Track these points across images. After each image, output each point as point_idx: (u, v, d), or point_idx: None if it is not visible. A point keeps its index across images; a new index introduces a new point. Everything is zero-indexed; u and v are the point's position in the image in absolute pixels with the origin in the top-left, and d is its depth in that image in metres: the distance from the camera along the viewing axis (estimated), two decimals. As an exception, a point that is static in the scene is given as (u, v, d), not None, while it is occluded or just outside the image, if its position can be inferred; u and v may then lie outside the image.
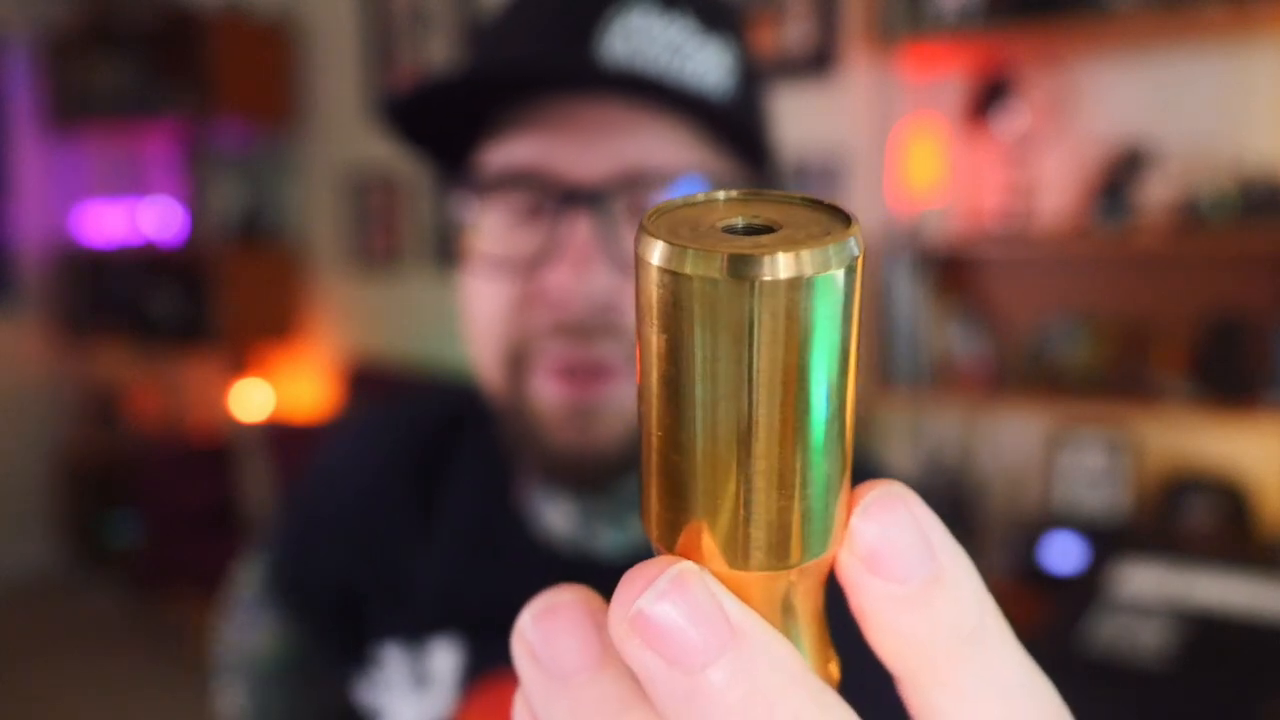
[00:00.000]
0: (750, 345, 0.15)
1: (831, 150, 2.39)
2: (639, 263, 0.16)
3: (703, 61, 0.52)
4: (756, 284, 0.15)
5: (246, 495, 3.05)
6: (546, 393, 0.52)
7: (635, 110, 0.51)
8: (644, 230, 0.16)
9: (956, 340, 2.30)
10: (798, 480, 0.16)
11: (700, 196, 0.18)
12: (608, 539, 0.58)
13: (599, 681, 0.17)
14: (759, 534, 0.16)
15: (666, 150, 0.51)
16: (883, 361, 2.30)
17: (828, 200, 0.18)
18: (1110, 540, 2.02)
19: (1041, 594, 2.04)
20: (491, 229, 0.54)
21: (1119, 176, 2.08)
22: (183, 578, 2.91)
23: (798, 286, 0.15)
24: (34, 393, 3.55)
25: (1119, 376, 2.15)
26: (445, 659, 0.58)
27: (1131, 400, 2.10)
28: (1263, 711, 1.27)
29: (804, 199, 0.18)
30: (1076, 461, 2.25)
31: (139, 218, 3.44)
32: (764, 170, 0.58)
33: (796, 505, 0.16)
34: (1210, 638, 1.43)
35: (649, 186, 0.51)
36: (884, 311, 2.28)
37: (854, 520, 0.17)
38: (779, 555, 0.17)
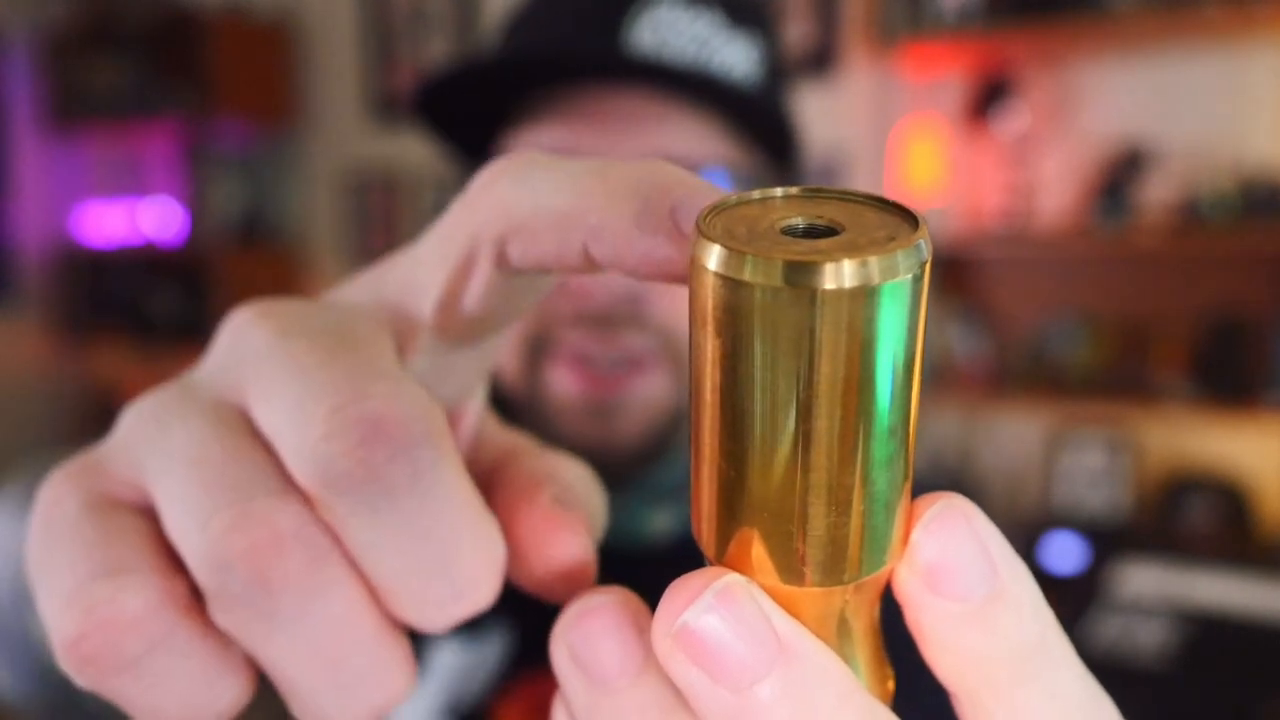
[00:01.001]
0: (811, 356, 0.14)
1: (831, 150, 2.39)
2: (694, 266, 0.15)
3: (730, 55, 0.52)
4: (819, 293, 0.14)
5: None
6: (564, 385, 0.52)
7: (662, 101, 0.50)
8: (700, 232, 0.15)
9: (956, 340, 2.30)
10: (856, 495, 0.15)
11: (756, 194, 0.17)
12: (623, 530, 0.58)
13: (641, 687, 0.17)
14: (814, 550, 0.16)
15: (692, 142, 0.51)
16: (883, 361, 2.30)
17: (892, 199, 0.17)
18: (1110, 540, 2.02)
19: (1042, 594, 2.04)
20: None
21: (1119, 176, 2.08)
22: (183, 578, 2.91)
23: (863, 296, 0.14)
24: (34, 393, 3.55)
25: (1119, 376, 2.15)
26: (449, 655, 0.58)
27: (1131, 400, 2.10)
28: (1263, 711, 1.27)
29: (867, 197, 0.17)
30: (1076, 461, 2.25)
31: (139, 218, 3.44)
32: (789, 165, 0.57)
33: (854, 521, 0.16)
34: (1210, 638, 1.43)
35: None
36: (884, 311, 2.28)
37: (915, 535, 0.16)
38: (834, 571, 0.16)
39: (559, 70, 0.51)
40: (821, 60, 2.40)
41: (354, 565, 0.19)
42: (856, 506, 0.16)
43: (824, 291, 0.14)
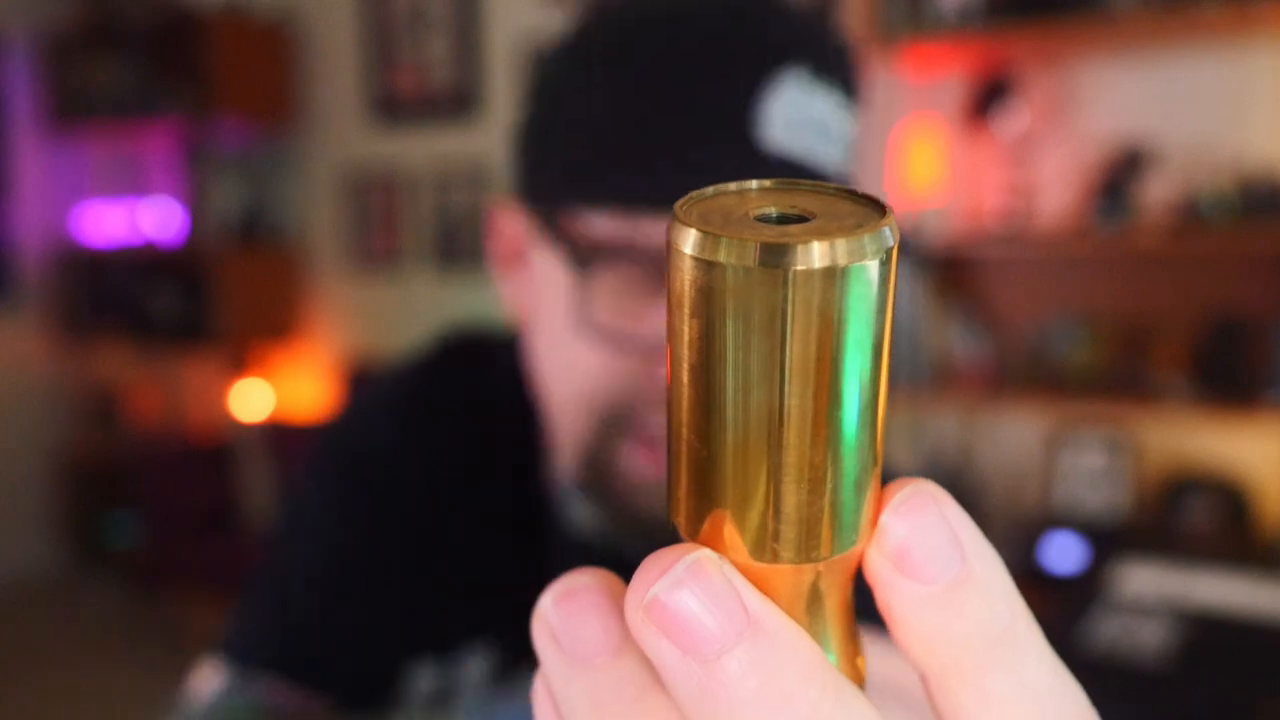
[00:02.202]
0: (782, 335, 0.15)
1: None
2: (670, 250, 0.16)
3: (837, 139, 0.49)
4: (790, 273, 0.15)
5: (246, 495, 3.05)
6: (641, 467, 0.50)
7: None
8: (676, 218, 0.16)
9: (956, 340, 2.30)
10: (827, 474, 0.16)
11: (733, 186, 0.18)
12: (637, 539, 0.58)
13: (619, 665, 0.17)
14: (785, 527, 0.16)
15: None
16: (883, 361, 2.30)
17: (862, 190, 0.17)
18: (1110, 540, 2.02)
19: (1041, 594, 2.04)
20: (610, 295, 0.49)
21: (1119, 176, 2.08)
22: (183, 578, 2.91)
23: (832, 276, 0.15)
24: (34, 393, 3.55)
25: (1119, 376, 2.15)
26: (477, 668, 0.58)
27: (1131, 400, 2.10)
28: (1263, 711, 1.27)
29: (838, 189, 0.18)
30: (1076, 461, 2.25)
31: (139, 218, 3.45)
32: None
33: (825, 499, 0.16)
34: (1210, 638, 1.43)
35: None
36: (884, 311, 2.28)
37: (884, 518, 0.17)
38: (805, 549, 0.16)
39: (694, 168, 0.46)
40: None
41: None
42: (827, 485, 0.16)
43: (795, 272, 0.15)
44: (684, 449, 0.17)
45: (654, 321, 0.49)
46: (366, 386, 0.68)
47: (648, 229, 0.47)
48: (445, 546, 0.60)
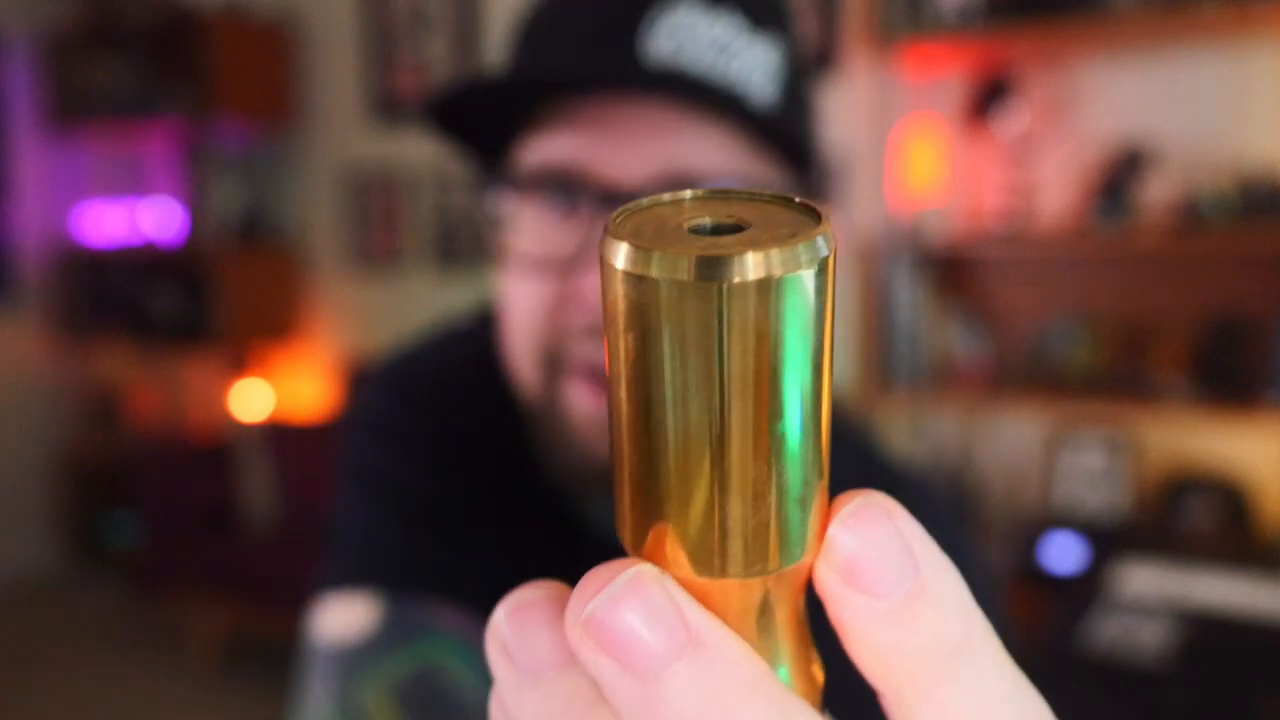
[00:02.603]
0: (719, 349, 0.15)
1: (831, 150, 2.39)
2: (603, 266, 0.16)
3: (749, 60, 0.51)
4: (724, 286, 0.14)
5: (246, 495, 3.05)
6: (582, 402, 0.51)
7: (678, 111, 0.50)
8: (608, 233, 0.16)
9: (956, 340, 2.30)
10: (770, 487, 0.16)
11: (668, 196, 0.18)
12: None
13: (569, 679, 0.17)
14: (729, 541, 0.16)
15: (708, 153, 0.50)
16: (883, 361, 2.30)
17: (799, 198, 0.17)
18: (1110, 540, 2.02)
19: (1041, 594, 2.05)
20: (529, 226, 0.53)
21: (1119, 176, 2.08)
22: (183, 578, 2.91)
23: (766, 288, 0.14)
24: (34, 393, 3.55)
25: (1119, 376, 2.15)
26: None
27: (1131, 400, 2.10)
28: (1263, 711, 1.27)
29: (774, 196, 0.17)
30: (1076, 461, 2.25)
31: (139, 218, 3.45)
32: (808, 173, 0.57)
33: (769, 513, 0.16)
34: (1210, 638, 1.43)
35: (690, 189, 0.49)
36: (884, 311, 2.28)
37: (831, 530, 0.16)
38: (750, 563, 0.16)
39: (576, 82, 0.50)
40: (822, 60, 2.40)
41: None
42: (770, 499, 0.16)
43: (728, 285, 0.14)
44: (625, 463, 0.17)
45: (561, 239, 0.51)
46: (430, 333, 0.68)
47: (557, 152, 0.50)
48: (479, 506, 0.61)
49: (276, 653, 2.79)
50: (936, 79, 2.30)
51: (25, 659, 2.86)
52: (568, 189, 0.50)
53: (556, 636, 0.17)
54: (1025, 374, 2.27)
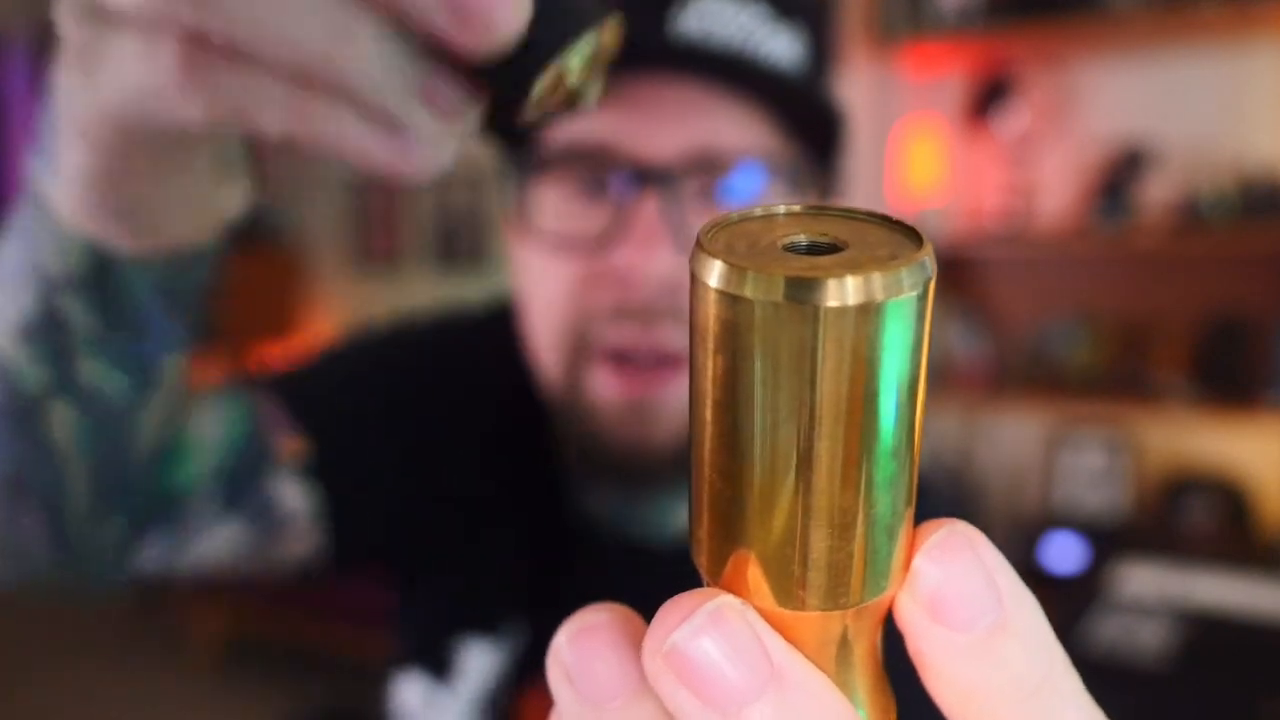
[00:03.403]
0: (813, 374, 0.14)
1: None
2: (694, 282, 0.15)
3: (776, 46, 0.51)
4: (822, 310, 0.14)
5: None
6: (606, 389, 0.51)
7: (707, 90, 0.50)
8: (700, 248, 0.15)
9: (956, 340, 2.30)
10: (857, 518, 0.15)
11: (759, 210, 0.17)
12: (655, 525, 0.58)
13: (635, 709, 0.17)
14: (813, 573, 0.15)
15: (737, 132, 0.50)
16: (883, 361, 2.30)
17: (896, 216, 0.17)
18: (1110, 540, 2.02)
19: (1041, 594, 2.03)
20: (555, 206, 0.52)
21: (1119, 176, 2.08)
22: (183, 578, 2.91)
23: (867, 312, 0.14)
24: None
25: (1119, 376, 2.15)
26: (479, 656, 0.58)
27: (1131, 400, 2.10)
28: (1263, 711, 1.27)
29: (870, 215, 0.17)
30: (1076, 461, 2.25)
31: (139, 218, 3.44)
32: (832, 158, 0.57)
33: (855, 544, 0.15)
34: (1210, 638, 1.43)
35: (719, 168, 0.50)
36: (884, 311, 2.28)
37: (917, 562, 0.16)
38: (833, 596, 0.16)
39: None
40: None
41: None
42: (857, 530, 0.15)
43: (826, 309, 0.14)
44: (706, 488, 0.16)
45: (589, 218, 0.50)
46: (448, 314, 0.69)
47: (585, 130, 0.50)
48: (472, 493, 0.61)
49: (276, 653, 2.79)
50: (936, 79, 2.30)
51: (25, 659, 2.86)
52: (597, 166, 0.50)
53: (623, 664, 0.17)
54: (1025, 374, 2.26)
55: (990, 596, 0.16)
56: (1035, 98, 2.20)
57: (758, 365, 0.14)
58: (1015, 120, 2.18)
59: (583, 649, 0.17)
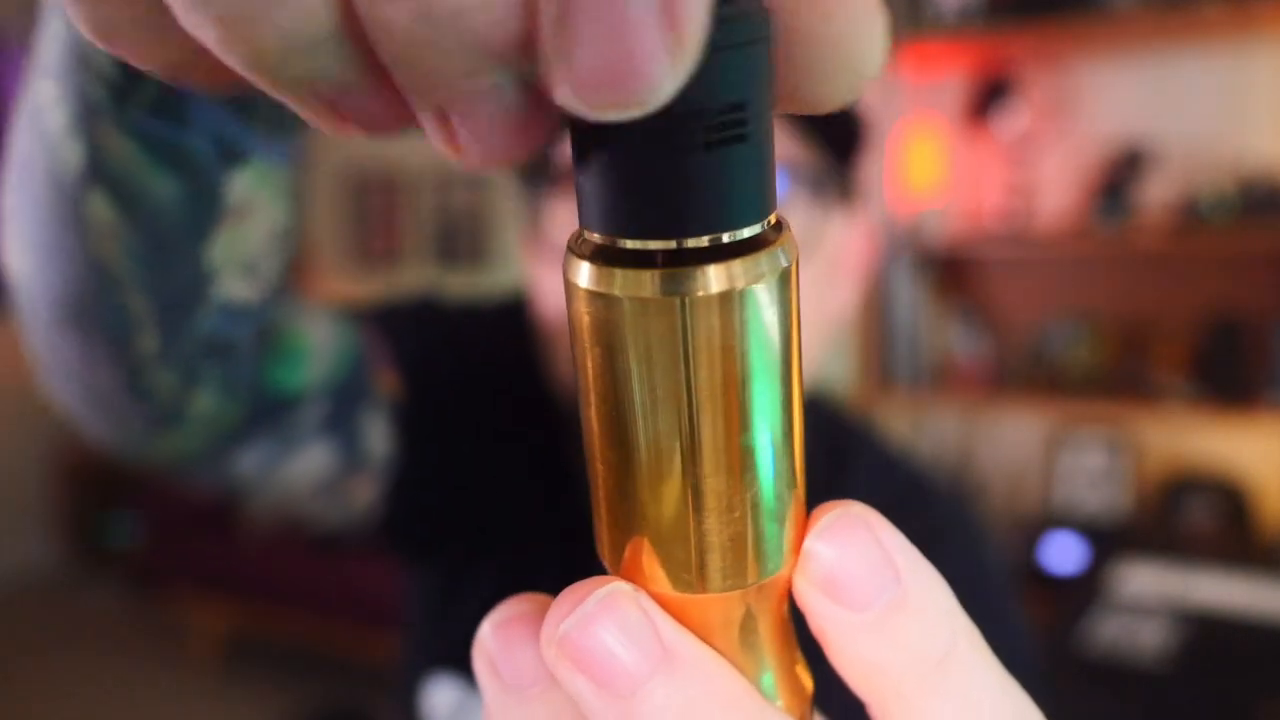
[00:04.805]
0: (686, 364, 0.15)
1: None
2: (566, 284, 0.16)
3: None
4: (687, 300, 0.14)
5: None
6: None
7: None
8: (570, 252, 0.16)
9: (956, 340, 2.30)
10: (744, 500, 0.16)
11: None
12: None
13: (553, 695, 0.17)
14: (702, 556, 0.16)
15: None
16: (883, 361, 2.30)
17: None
18: (1110, 540, 2.02)
19: (1041, 594, 2.04)
20: (566, 217, 0.52)
21: (1119, 176, 2.08)
22: (183, 578, 2.91)
23: (729, 300, 0.14)
24: (34, 393, 3.55)
25: (1119, 376, 2.15)
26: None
27: (1131, 400, 2.10)
28: (1263, 711, 1.27)
29: None
30: (1076, 461, 2.25)
31: (139, 218, 3.45)
32: (853, 159, 0.57)
33: (743, 526, 0.16)
34: (1210, 638, 1.43)
35: None
36: (884, 311, 2.28)
37: (808, 543, 0.16)
38: (726, 578, 0.16)
39: None
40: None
41: None
42: (744, 512, 0.16)
43: (691, 299, 0.14)
44: (599, 480, 0.16)
45: None
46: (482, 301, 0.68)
47: None
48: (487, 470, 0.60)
49: (276, 653, 2.79)
50: (936, 79, 2.30)
51: (25, 658, 2.86)
52: None
53: (539, 652, 0.17)
54: (1025, 374, 2.27)
55: (887, 575, 0.16)
56: (1035, 98, 2.20)
57: (633, 359, 0.15)
58: (1015, 120, 2.18)
59: (504, 638, 0.17)
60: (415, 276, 3.08)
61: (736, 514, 0.16)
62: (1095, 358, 2.19)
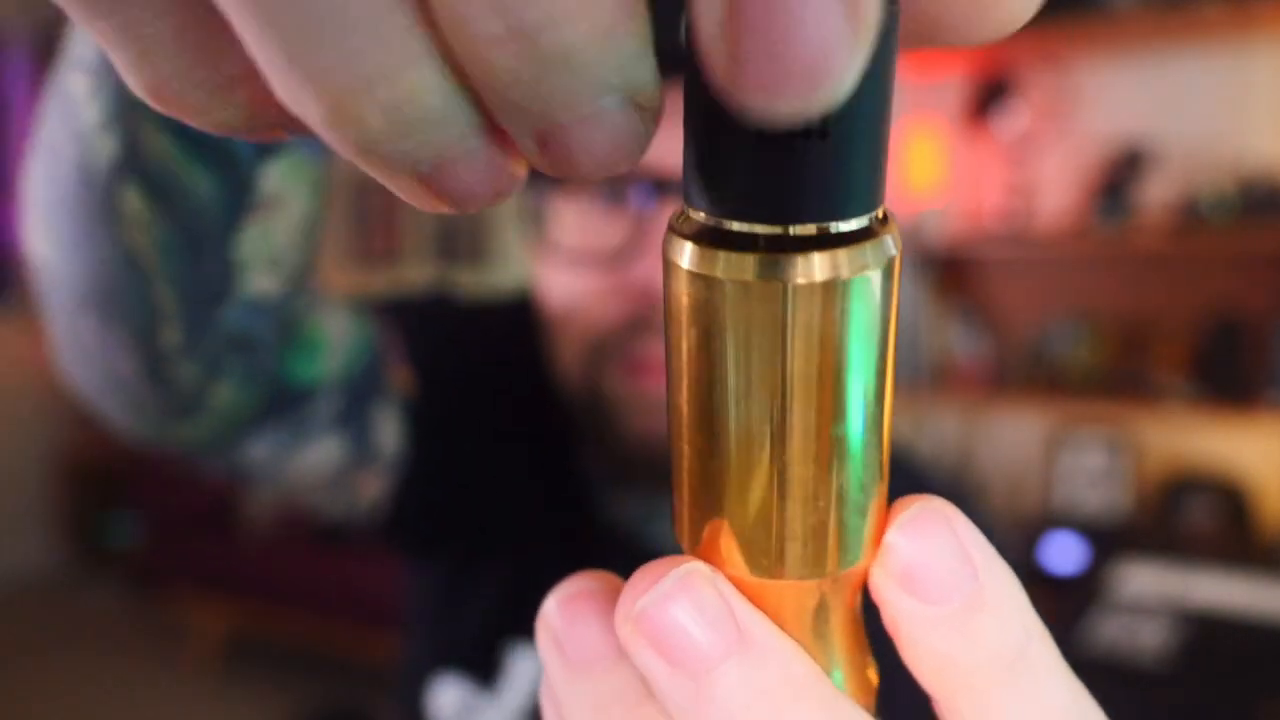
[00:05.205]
0: (784, 350, 0.15)
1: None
2: (667, 265, 0.15)
3: None
4: (790, 287, 0.14)
5: (246, 495, 3.05)
6: (624, 386, 0.52)
7: None
8: (672, 231, 0.16)
9: (956, 340, 2.30)
10: (830, 490, 0.16)
11: None
12: (669, 539, 0.58)
13: (619, 672, 0.17)
14: (785, 542, 0.16)
15: None
16: (883, 361, 2.30)
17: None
18: (1110, 540, 2.02)
19: (1041, 594, 2.04)
20: (572, 218, 0.52)
21: (1119, 176, 2.08)
22: (183, 578, 2.91)
23: (832, 289, 0.14)
24: (34, 393, 3.55)
25: (1119, 376, 2.15)
26: (528, 663, 0.57)
27: (1131, 400, 2.10)
28: (1262, 711, 1.27)
29: None
30: (1076, 461, 2.25)
31: (139, 218, 3.44)
32: None
33: (826, 515, 0.16)
34: (1210, 638, 1.43)
35: None
36: (884, 311, 2.28)
37: (889, 535, 0.16)
38: (805, 565, 0.16)
39: None
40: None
41: None
42: (829, 501, 0.16)
43: (794, 286, 0.14)
44: (684, 462, 0.16)
45: (607, 230, 0.50)
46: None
47: None
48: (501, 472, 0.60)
49: (276, 653, 2.79)
50: (936, 79, 2.30)
51: (25, 658, 2.86)
52: (615, 179, 0.50)
53: (607, 629, 0.17)
54: (1025, 374, 2.27)
55: (965, 571, 0.16)
56: (1035, 98, 2.20)
57: (730, 343, 0.15)
58: (1015, 120, 2.18)
59: (570, 614, 0.17)
60: (415, 275, 3.08)
61: (820, 504, 0.16)
62: (1095, 358, 2.19)
